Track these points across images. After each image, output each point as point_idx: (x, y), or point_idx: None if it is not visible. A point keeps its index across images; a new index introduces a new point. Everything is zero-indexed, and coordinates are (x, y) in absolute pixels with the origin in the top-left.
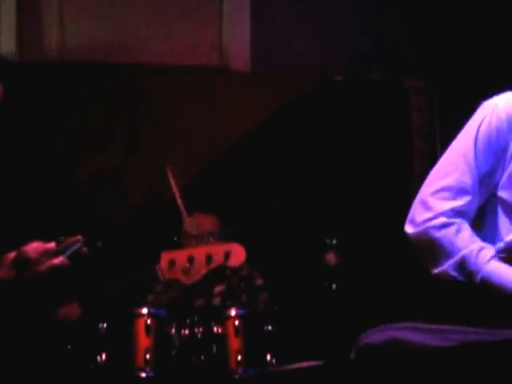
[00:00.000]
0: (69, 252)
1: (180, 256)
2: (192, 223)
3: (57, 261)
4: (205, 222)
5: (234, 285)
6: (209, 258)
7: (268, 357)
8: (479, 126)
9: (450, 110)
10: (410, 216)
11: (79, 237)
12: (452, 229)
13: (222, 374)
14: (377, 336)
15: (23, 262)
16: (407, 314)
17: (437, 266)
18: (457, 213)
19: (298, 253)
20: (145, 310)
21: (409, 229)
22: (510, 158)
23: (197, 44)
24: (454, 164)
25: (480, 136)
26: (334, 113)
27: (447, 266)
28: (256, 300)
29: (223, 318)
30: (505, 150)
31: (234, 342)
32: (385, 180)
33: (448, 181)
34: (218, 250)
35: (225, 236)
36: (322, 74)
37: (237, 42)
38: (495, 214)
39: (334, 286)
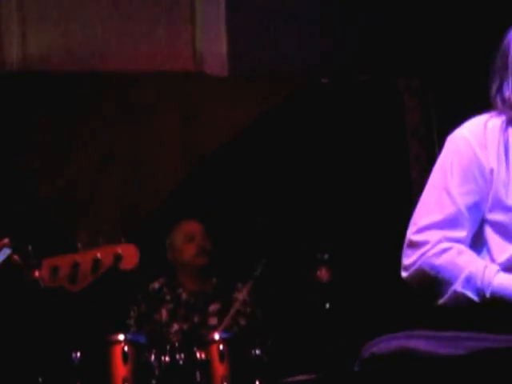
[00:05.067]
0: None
1: (63, 263)
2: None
3: None
4: (190, 227)
5: (234, 307)
6: (96, 263)
7: (257, 383)
8: (452, 159)
9: (447, 111)
10: (402, 264)
11: (5, 240)
12: (452, 252)
13: None
14: (383, 345)
15: None
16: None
17: (443, 293)
18: (452, 240)
19: (288, 269)
20: (121, 337)
21: (404, 274)
22: (489, 180)
23: (170, 50)
24: (437, 200)
25: (455, 168)
26: (322, 118)
27: (455, 287)
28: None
29: (207, 343)
30: (482, 174)
31: (219, 368)
32: (380, 189)
33: (434, 217)
34: (106, 254)
35: (117, 238)
36: (308, 77)
37: (212, 46)
38: (486, 238)
39: (327, 305)
